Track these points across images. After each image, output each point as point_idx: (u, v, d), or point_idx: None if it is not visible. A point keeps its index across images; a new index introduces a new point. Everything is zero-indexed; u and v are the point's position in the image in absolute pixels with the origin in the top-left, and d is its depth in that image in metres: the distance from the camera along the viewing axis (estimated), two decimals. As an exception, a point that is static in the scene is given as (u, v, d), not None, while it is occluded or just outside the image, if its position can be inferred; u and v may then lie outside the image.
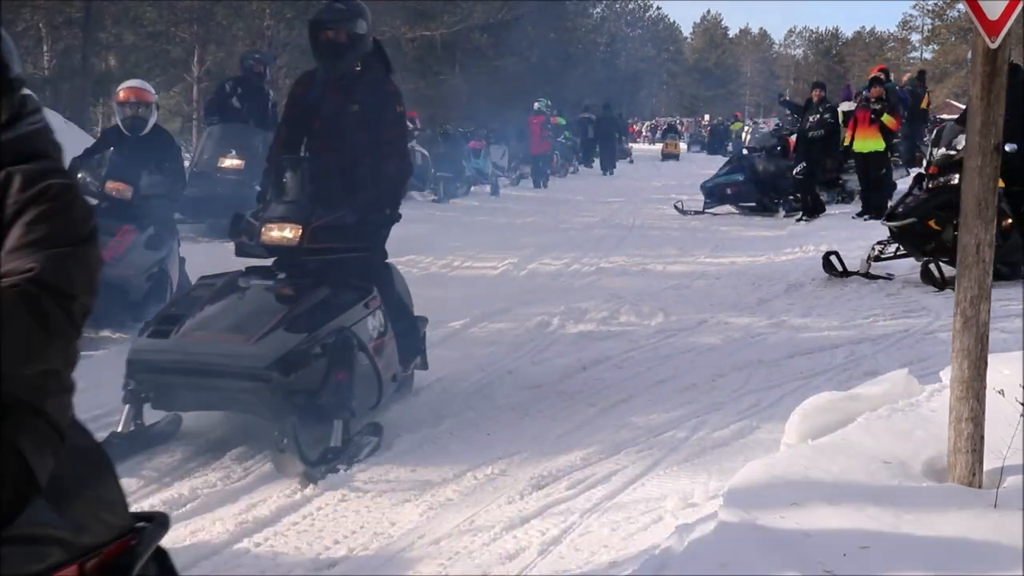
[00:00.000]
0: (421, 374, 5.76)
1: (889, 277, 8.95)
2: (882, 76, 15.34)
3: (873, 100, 14.27)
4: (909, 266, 9.10)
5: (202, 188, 10.16)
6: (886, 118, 14.05)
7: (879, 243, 9.17)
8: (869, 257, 9.11)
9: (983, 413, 3.11)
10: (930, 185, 8.78)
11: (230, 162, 10.82)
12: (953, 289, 7.02)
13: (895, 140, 15.24)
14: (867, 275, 8.96)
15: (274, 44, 16.81)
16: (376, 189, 5.00)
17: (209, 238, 10.05)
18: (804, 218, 14.40)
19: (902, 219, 8.76)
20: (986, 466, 3.14)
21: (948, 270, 8.12)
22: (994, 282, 3.26)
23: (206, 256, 7.93)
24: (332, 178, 4.91)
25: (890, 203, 12.42)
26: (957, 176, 8.06)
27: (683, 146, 40.47)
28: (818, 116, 14.86)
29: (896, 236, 8.94)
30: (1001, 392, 3.19)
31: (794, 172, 14.76)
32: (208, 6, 17.31)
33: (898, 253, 9.11)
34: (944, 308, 7.31)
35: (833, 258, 9.16)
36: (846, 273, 9.04)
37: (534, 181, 21.97)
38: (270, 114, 11.30)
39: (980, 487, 3.11)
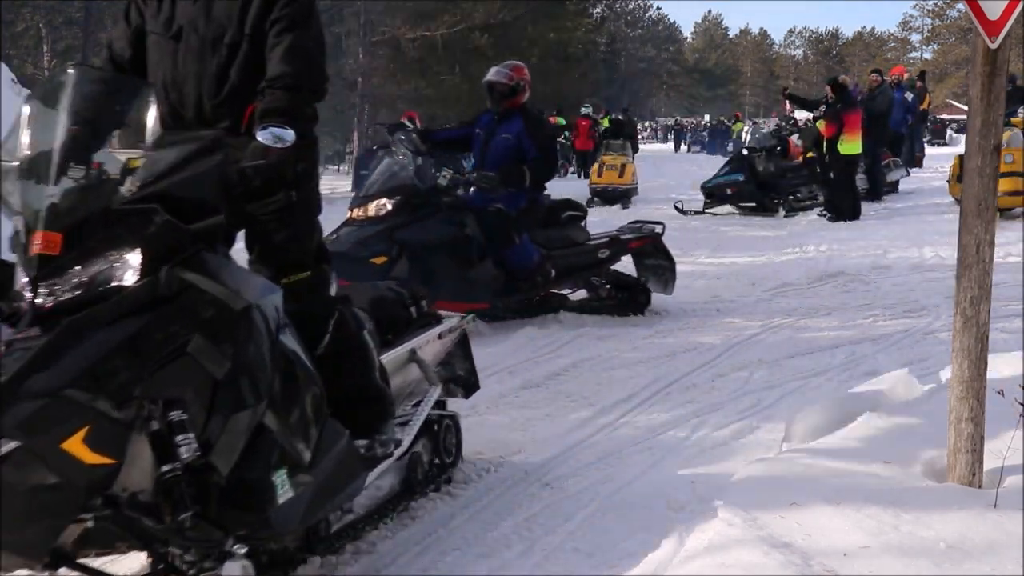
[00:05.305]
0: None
1: None
2: (842, 79, 14.91)
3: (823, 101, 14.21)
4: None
5: None
6: (819, 123, 13.95)
7: None
8: None
9: (983, 413, 3.11)
10: None
11: None
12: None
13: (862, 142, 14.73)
14: None
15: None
16: None
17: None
18: (833, 217, 13.80)
19: None
20: (986, 466, 3.14)
21: None
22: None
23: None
24: None
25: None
26: None
27: (666, 148, 39.77)
28: None
29: None
30: (1001, 392, 3.19)
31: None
32: (208, 6, 17.32)
33: None
34: (944, 308, 7.31)
35: None
36: None
37: (577, 172, 25.11)
38: None
39: (980, 487, 3.11)
